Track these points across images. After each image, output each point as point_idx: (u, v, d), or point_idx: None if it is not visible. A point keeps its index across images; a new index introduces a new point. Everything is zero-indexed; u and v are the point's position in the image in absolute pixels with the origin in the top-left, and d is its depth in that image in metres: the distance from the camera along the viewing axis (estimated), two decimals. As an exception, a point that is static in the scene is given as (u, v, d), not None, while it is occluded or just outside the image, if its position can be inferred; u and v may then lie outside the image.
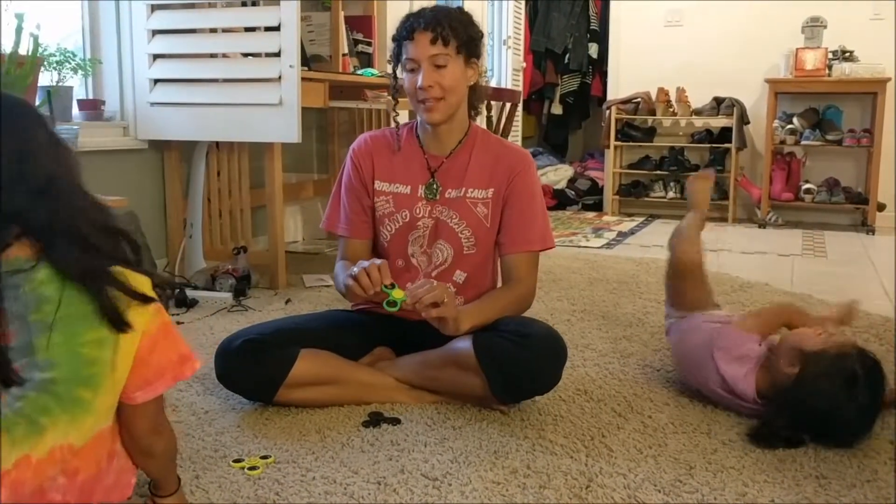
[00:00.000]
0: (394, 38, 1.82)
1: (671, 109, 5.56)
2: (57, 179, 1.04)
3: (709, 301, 2.13)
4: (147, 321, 1.06)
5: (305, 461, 1.54)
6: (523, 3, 6.20)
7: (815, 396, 1.61)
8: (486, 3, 5.60)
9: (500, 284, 1.97)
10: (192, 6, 2.98)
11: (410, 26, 1.77)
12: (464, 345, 1.73)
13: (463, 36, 1.78)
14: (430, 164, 1.90)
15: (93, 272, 1.01)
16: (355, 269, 1.66)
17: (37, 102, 2.40)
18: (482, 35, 1.87)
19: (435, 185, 1.88)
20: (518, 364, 1.69)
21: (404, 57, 1.79)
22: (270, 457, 1.55)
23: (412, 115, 2.03)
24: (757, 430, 1.67)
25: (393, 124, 1.94)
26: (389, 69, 1.89)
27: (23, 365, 0.98)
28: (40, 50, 2.35)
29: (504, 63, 5.89)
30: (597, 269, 3.53)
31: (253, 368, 1.74)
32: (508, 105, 3.79)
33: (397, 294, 1.65)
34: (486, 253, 1.91)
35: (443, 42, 1.75)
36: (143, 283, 1.07)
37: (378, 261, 1.66)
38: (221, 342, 1.80)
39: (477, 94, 1.90)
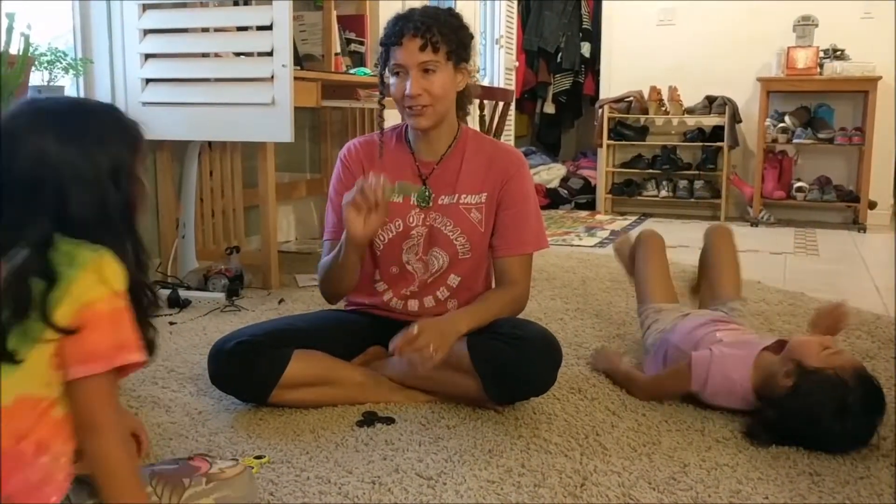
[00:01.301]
0: (382, 42, 1.77)
1: (663, 108, 5.57)
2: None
3: (671, 292, 2.21)
4: (100, 296, 1.03)
5: (300, 461, 1.54)
6: (515, 2, 6.21)
7: (803, 416, 1.60)
8: (478, 3, 5.60)
9: (493, 285, 1.96)
10: (183, 5, 2.97)
11: (400, 31, 1.72)
12: (458, 346, 1.72)
13: (453, 42, 1.74)
14: (420, 171, 1.87)
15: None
16: (348, 194, 1.65)
17: (28, 102, 2.39)
18: (472, 38, 1.82)
19: (427, 193, 1.86)
20: (512, 366, 1.69)
21: (392, 62, 1.75)
22: (265, 457, 1.55)
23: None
24: (751, 427, 1.68)
25: (379, 128, 1.92)
26: (377, 71, 1.85)
27: None
28: (31, 50, 2.34)
29: (496, 62, 5.89)
30: (590, 267, 3.54)
31: (246, 370, 1.73)
32: (501, 104, 3.79)
33: (402, 187, 1.75)
34: (481, 256, 1.90)
35: (432, 49, 1.71)
36: (114, 274, 1.04)
37: (371, 176, 1.64)
38: (214, 344, 1.79)
39: (466, 96, 1.86)
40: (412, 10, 1.76)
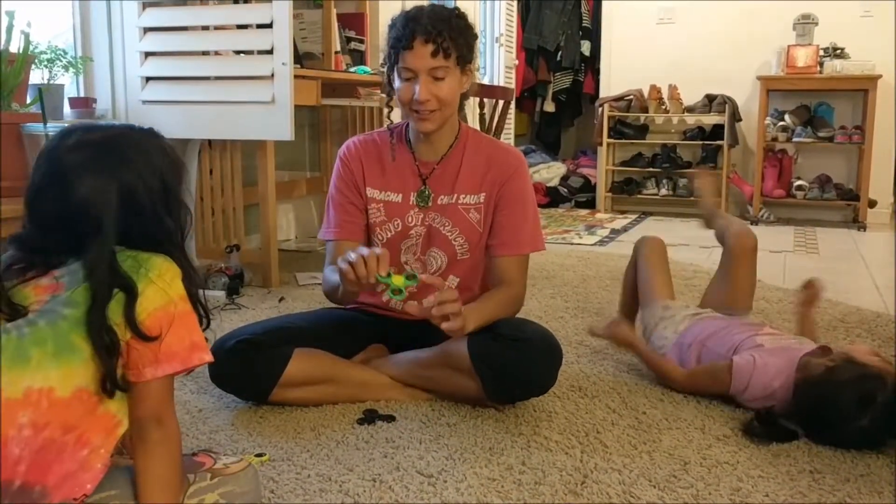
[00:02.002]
0: (391, 45, 1.73)
1: (663, 107, 5.57)
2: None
3: (672, 291, 2.21)
4: (171, 300, 1.08)
5: (300, 459, 1.54)
6: (515, 0, 6.20)
7: (827, 394, 1.61)
8: (478, 2, 5.60)
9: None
10: (184, 3, 2.97)
11: (410, 34, 1.68)
12: (458, 347, 1.72)
13: (463, 46, 1.72)
14: (420, 170, 1.86)
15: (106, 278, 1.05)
16: (352, 254, 1.52)
17: (28, 101, 2.39)
18: (476, 38, 1.80)
19: (427, 192, 1.85)
20: (513, 367, 1.69)
21: (401, 65, 1.71)
22: (265, 455, 1.55)
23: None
24: (749, 425, 1.68)
25: (386, 125, 1.90)
26: (382, 70, 1.82)
27: (50, 300, 1.04)
28: (31, 48, 2.34)
29: (496, 61, 5.89)
30: (590, 266, 3.54)
31: (246, 369, 1.73)
32: (501, 103, 3.79)
33: (397, 281, 1.52)
34: (479, 256, 1.89)
35: (444, 55, 1.68)
36: (178, 279, 1.10)
37: (378, 250, 1.55)
38: (214, 343, 1.78)
39: (464, 96, 1.84)
40: (421, 11, 1.71)
